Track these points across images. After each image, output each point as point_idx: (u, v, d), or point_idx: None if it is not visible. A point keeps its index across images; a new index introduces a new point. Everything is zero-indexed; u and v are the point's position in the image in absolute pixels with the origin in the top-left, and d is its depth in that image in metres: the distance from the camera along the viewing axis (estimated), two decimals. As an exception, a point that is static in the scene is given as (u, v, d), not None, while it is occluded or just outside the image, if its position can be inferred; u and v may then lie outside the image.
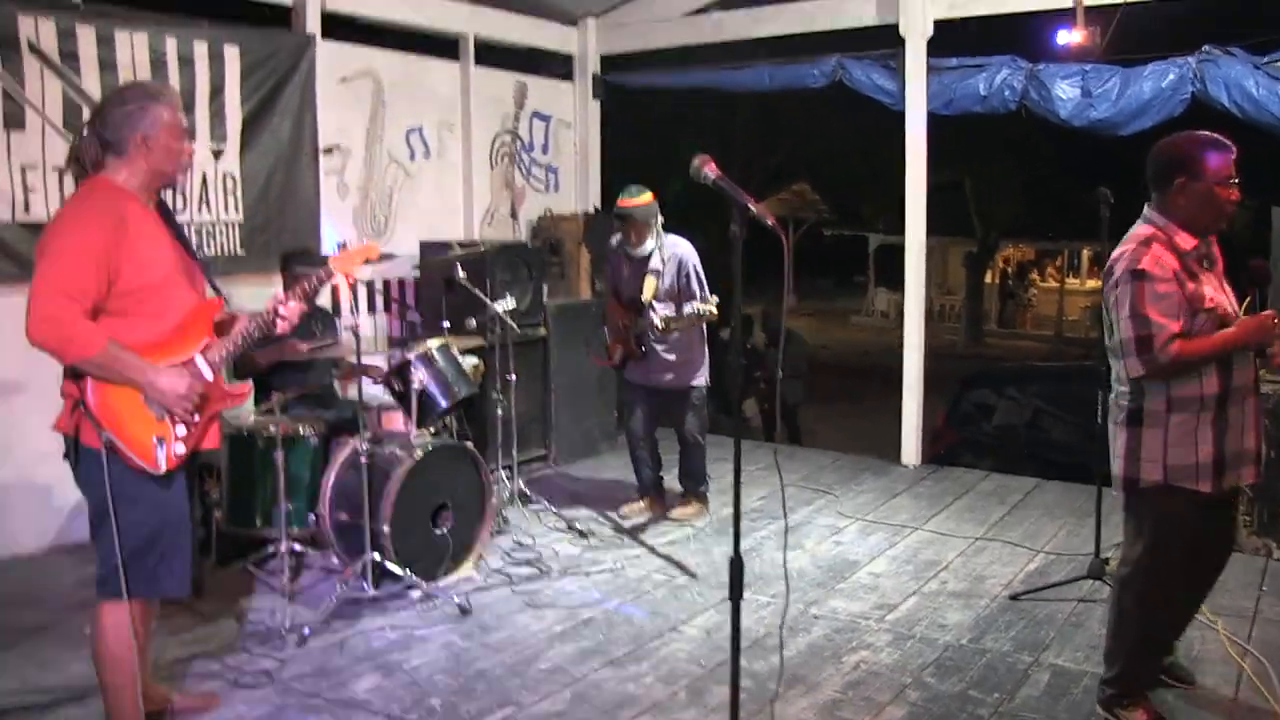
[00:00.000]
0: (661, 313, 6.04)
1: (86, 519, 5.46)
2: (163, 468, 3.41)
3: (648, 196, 6.14)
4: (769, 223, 2.52)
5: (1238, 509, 4.18)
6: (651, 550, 5.98)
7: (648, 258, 6.21)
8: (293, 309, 3.72)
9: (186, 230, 5.72)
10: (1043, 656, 4.58)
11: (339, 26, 7.38)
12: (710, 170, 2.74)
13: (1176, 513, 3.76)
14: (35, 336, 3.18)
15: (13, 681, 4.26)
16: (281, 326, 3.73)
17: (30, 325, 3.16)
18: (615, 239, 6.43)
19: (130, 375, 3.32)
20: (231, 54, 6.60)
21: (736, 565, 2.74)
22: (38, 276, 3.22)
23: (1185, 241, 3.69)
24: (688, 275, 6.18)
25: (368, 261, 4.16)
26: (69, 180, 5.79)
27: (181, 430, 3.48)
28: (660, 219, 6.21)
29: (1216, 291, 3.74)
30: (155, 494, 3.45)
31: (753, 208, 2.54)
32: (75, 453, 3.42)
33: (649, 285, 6.18)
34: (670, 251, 6.20)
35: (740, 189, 2.63)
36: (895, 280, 31.63)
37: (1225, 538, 4.14)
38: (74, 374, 3.33)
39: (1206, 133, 3.74)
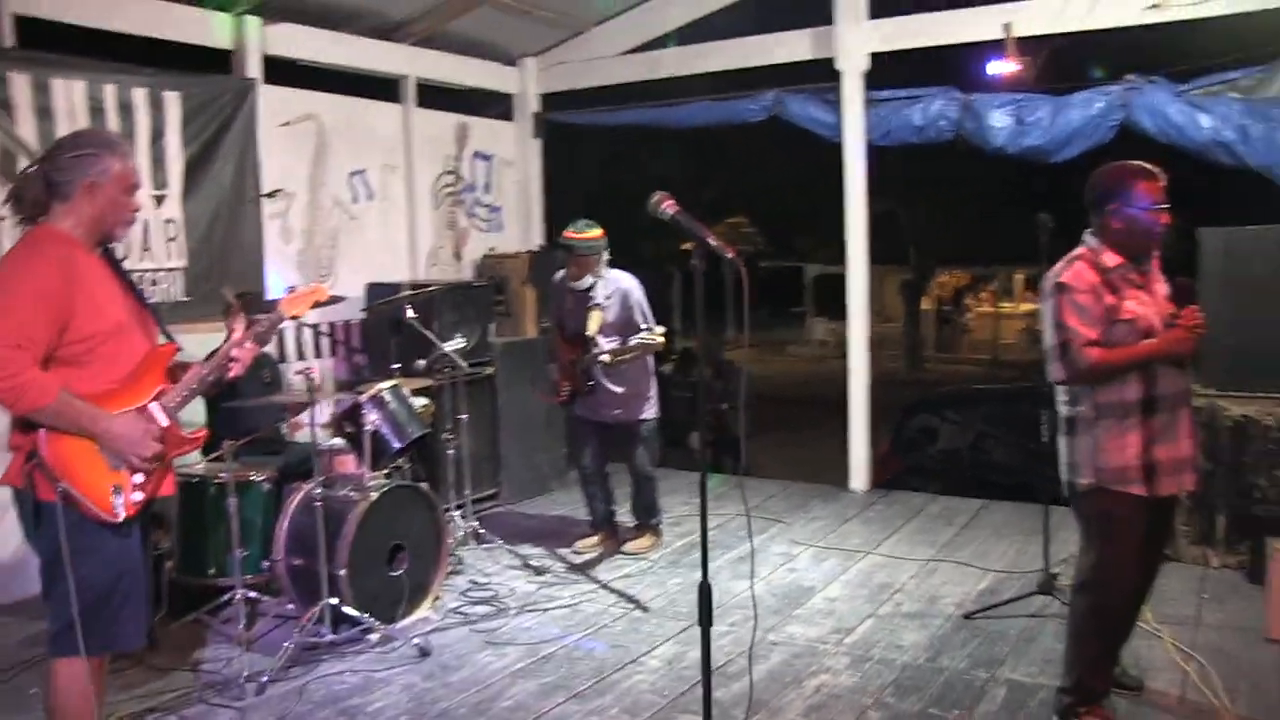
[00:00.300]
0: (607, 346, 6.09)
1: (22, 575, 5.43)
2: (121, 516, 3.36)
3: (596, 231, 6.20)
4: (729, 255, 2.57)
5: (1173, 516, 4.32)
6: (606, 585, 5.99)
7: (591, 292, 6.26)
8: (246, 351, 3.71)
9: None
10: (998, 672, 4.66)
11: (280, 70, 7.38)
12: (668, 207, 2.79)
13: (1113, 514, 3.96)
14: None
15: (-36, 743, 4.18)
16: (235, 369, 3.72)
17: None
18: (559, 274, 6.48)
19: (84, 424, 3.29)
20: (172, 99, 6.58)
21: (705, 592, 2.77)
22: None
23: (1110, 259, 3.94)
24: (631, 308, 6.23)
25: (317, 304, 4.17)
26: (5, 232, 5.78)
27: (139, 478, 3.44)
28: (607, 255, 6.26)
29: (1143, 306, 3.92)
30: (112, 544, 3.39)
31: (712, 241, 2.59)
32: (28, 506, 3.37)
33: (594, 319, 6.22)
34: (614, 285, 6.25)
35: (698, 224, 2.69)
36: (832, 310, 32.04)
37: (1158, 544, 4.26)
38: (25, 425, 3.28)
39: (1137, 163, 3.97)
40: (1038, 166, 7.48)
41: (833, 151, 8.02)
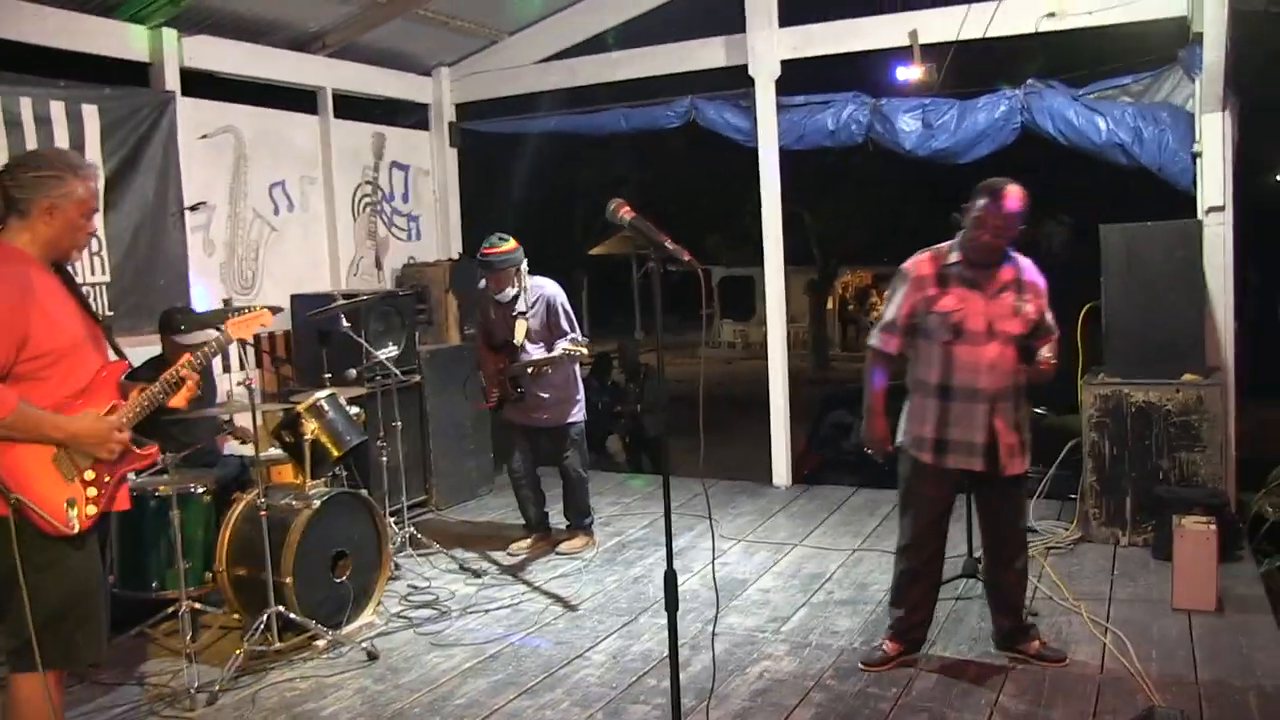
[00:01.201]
0: (535, 354, 6.22)
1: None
2: (75, 528, 3.37)
3: (510, 244, 6.29)
4: (685, 258, 2.71)
5: (1012, 493, 4.66)
6: (544, 586, 6.10)
7: (514, 301, 6.37)
8: (194, 377, 3.75)
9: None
10: (931, 651, 4.88)
11: (198, 83, 7.35)
12: (625, 213, 2.92)
13: (909, 479, 4.71)
14: None
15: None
16: (180, 400, 3.75)
17: None
18: (482, 283, 6.57)
19: (45, 432, 3.30)
20: (90, 113, 6.52)
21: (670, 579, 2.91)
22: None
23: (954, 257, 4.51)
24: (557, 313, 6.35)
25: (262, 327, 4.24)
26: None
27: (92, 491, 3.47)
28: (524, 263, 6.37)
29: (963, 305, 4.44)
30: (68, 558, 3.40)
31: (669, 246, 2.73)
32: None
33: (520, 328, 6.34)
34: (537, 293, 6.37)
35: (656, 229, 2.82)
36: (741, 311, 32.45)
37: (995, 518, 4.76)
38: None
39: (997, 181, 4.42)
40: (940, 167, 7.77)
41: (742, 156, 8.22)
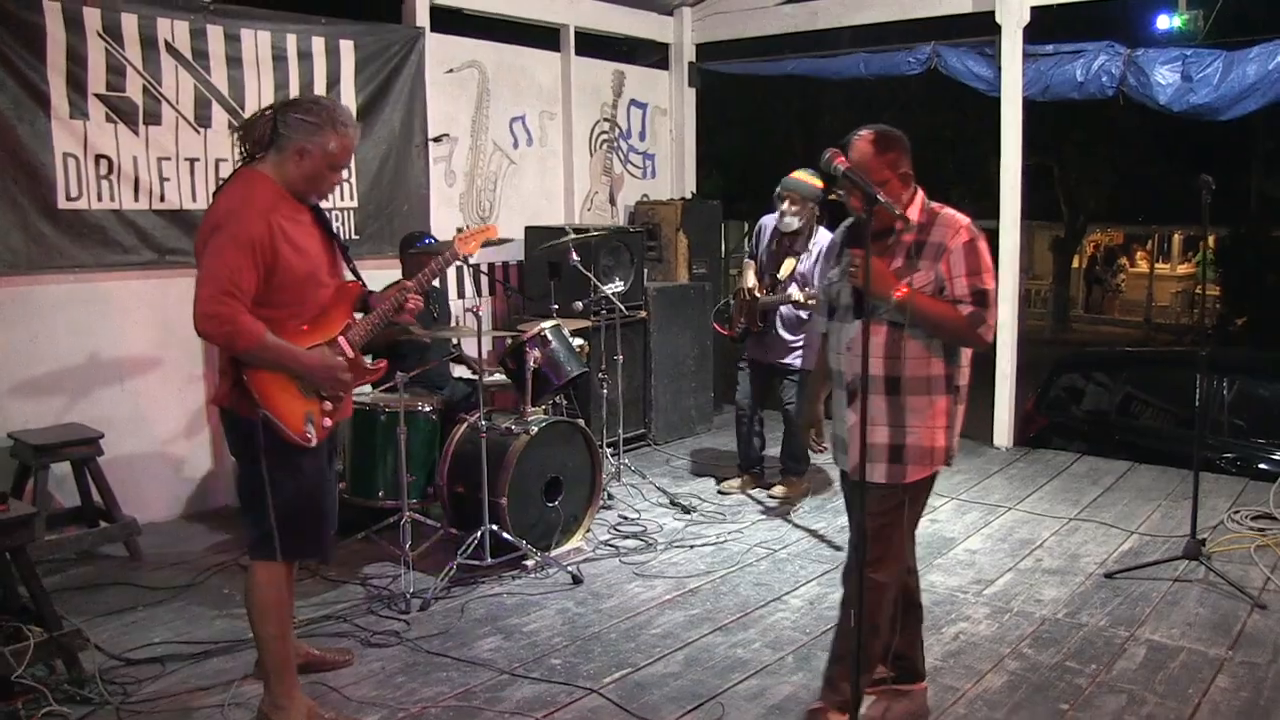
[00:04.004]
0: (795, 293, 6.22)
1: (211, 489, 5.90)
2: (313, 441, 3.65)
3: (818, 182, 6.28)
4: (897, 211, 2.68)
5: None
6: (748, 527, 6.18)
7: (795, 236, 6.41)
8: (416, 299, 3.96)
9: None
10: (1139, 632, 4.69)
11: (446, 19, 7.66)
12: (840, 163, 2.90)
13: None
14: (201, 330, 3.43)
15: (168, 633, 4.61)
16: (405, 317, 3.99)
17: (198, 321, 3.41)
18: (768, 216, 6.61)
19: (284, 362, 3.57)
20: (347, 48, 6.90)
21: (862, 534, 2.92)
22: (204, 272, 3.44)
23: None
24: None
25: (487, 242, 4.42)
26: (199, 170, 6.18)
27: (328, 406, 3.73)
28: (817, 210, 6.38)
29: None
30: (305, 465, 3.69)
31: (881, 198, 2.70)
32: (235, 425, 3.69)
33: (787, 265, 6.40)
34: (819, 242, 6.35)
35: (870, 180, 2.79)
36: (981, 265, 31.41)
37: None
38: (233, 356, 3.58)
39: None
40: (1203, 123, 7.29)
41: (988, 104, 7.94)
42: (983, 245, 3.56)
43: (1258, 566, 5.39)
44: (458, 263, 4.68)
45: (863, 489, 3.44)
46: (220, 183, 3.77)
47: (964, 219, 3.57)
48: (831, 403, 3.89)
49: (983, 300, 3.48)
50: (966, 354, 3.66)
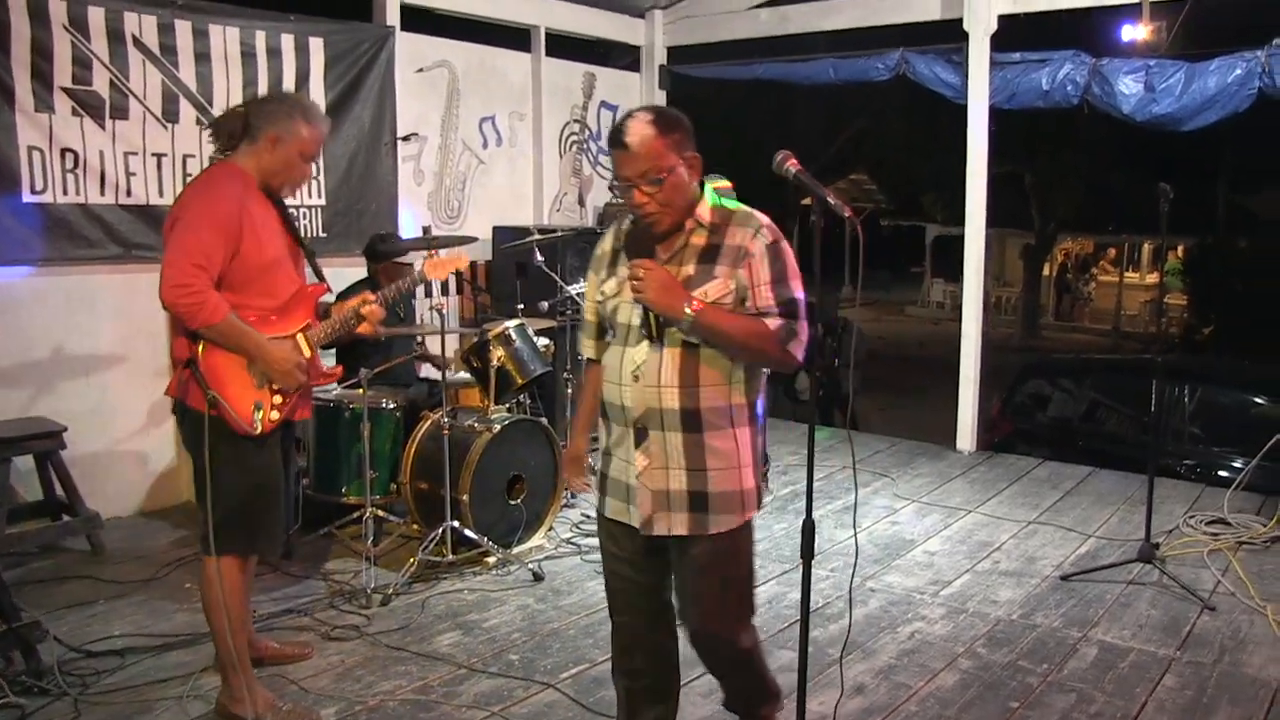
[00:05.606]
0: None
1: (174, 484, 5.91)
2: (258, 430, 3.66)
3: (724, 184, 6.33)
4: (846, 214, 2.71)
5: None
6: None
7: None
8: (375, 310, 4.00)
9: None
10: (1091, 633, 4.75)
11: (416, 19, 7.68)
12: (791, 165, 2.92)
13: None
14: (167, 299, 3.45)
15: (129, 626, 4.63)
16: (364, 327, 4.02)
17: (164, 289, 3.43)
18: None
19: (245, 345, 3.60)
20: (316, 45, 6.91)
21: (808, 529, 2.95)
22: (172, 244, 3.49)
23: None
24: None
25: (455, 271, 4.50)
26: (166, 165, 6.18)
27: (278, 399, 3.75)
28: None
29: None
30: (250, 455, 3.70)
31: (831, 200, 2.73)
32: (181, 414, 3.70)
33: None
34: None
35: (819, 183, 2.83)
36: (952, 271, 31.52)
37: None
38: (191, 335, 3.59)
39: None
40: (1173, 135, 7.36)
41: (959, 111, 8.02)
42: (787, 247, 3.03)
43: (1210, 570, 5.48)
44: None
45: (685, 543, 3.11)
46: (189, 179, 3.82)
47: (764, 217, 3.07)
48: (603, 442, 3.42)
49: (793, 311, 2.97)
50: (763, 378, 3.17)
